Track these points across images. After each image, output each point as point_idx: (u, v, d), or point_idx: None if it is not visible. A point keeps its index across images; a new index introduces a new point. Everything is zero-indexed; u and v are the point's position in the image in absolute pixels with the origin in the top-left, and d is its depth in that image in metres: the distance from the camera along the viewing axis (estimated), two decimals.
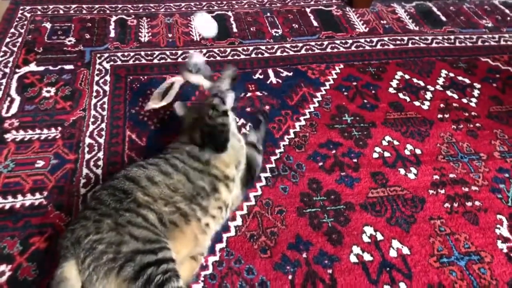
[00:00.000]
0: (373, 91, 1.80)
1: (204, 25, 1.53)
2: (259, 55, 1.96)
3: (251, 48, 2.01)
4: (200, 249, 1.16)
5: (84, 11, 2.20)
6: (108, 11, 2.21)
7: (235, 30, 2.12)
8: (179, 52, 1.95)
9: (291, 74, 1.86)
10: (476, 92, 1.82)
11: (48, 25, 2.08)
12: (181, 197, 1.12)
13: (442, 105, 1.75)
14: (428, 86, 1.83)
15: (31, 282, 1.13)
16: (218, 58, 1.93)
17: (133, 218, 1.03)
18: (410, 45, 2.07)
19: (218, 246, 1.23)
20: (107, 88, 1.73)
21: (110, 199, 1.07)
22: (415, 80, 1.86)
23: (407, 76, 1.88)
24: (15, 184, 1.36)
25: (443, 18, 2.29)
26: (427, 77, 1.88)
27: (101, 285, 0.95)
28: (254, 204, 1.34)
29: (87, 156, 1.46)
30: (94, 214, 1.03)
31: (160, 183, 1.13)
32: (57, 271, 0.97)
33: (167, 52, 1.95)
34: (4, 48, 1.91)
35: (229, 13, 2.25)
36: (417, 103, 1.75)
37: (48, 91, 1.71)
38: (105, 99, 1.68)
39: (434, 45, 2.08)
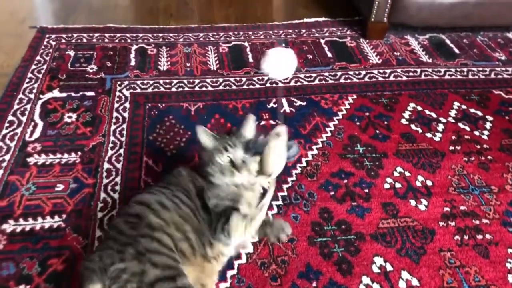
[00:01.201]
0: (385, 122, 1.82)
1: (275, 64, 1.32)
2: (274, 85, 2.01)
3: (266, 77, 2.06)
4: (209, 278, 1.18)
5: (106, 40, 2.30)
6: (129, 40, 2.30)
7: (251, 60, 2.19)
8: (196, 80, 2.02)
9: (304, 103, 1.91)
10: (488, 125, 1.83)
11: (71, 53, 2.18)
12: (190, 228, 1.16)
13: (454, 137, 1.76)
14: (440, 118, 1.86)
15: None
16: (234, 87, 1.99)
17: (149, 243, 1.07)
18: (423, 77, 2.10)
19: (229, 273, 1.25)
20: (126, 114, 1.80)
21: (126, 226, 1.11)
22: (427, 111, 1.89)
23: (419, 108, 1.91)
24: (35, 207, 1.41)
25: (456, 51, 2.32)
26: (440, 109, 1.91)
27: None
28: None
29: (105, 181, 1.51)
30: (116, 244, 1.07)
31: (171, 208, 1.16)
32: None
33: (185, 81, 2.01)
34: (30, 75, 2.00)
35: (246, 44, 2.32)
36: (429, 135, 1.77)
37: (69, 117, 1.78)
38: (124, 126, 1.74)
39: (447, 77, 2.11)
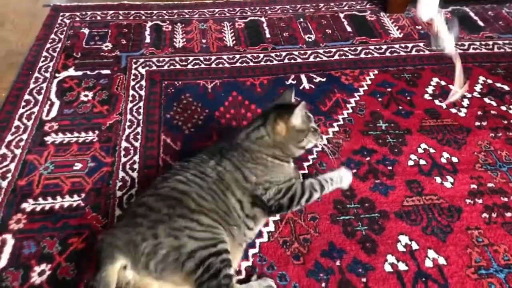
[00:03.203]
0: (408, 98, 1.77)
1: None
2: (292, 61, 1.96)
3: (284, 53, 2.01)
4: (236, 260, 1.17)
5: (121, 17, 2.26)
6: (143, 17, 2.26)
7: (268, 36, 2.13)
8: (213, 57, 1.97)
9: (324, 79, 1.86)
10: None
11: (86, 31, 2.14)
12: (224, 219, 1.15)
13: (479, 113, 1.70)
14: (465, 93, 1.79)
15: (70, 282, 1.16)
16: (251, 64, 1.94)
17: (188, 223, 1.07)
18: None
19: (251, 252, 1.23)
20: (142, 92, 1.77)
21: (162, 205, 1.10)
22: (451, 86, 1.82)
23: (443, 83, 1.84)
24: (54, 186, 1.40)
25: (481, 23, 2.24)
26: (464, 83, 1.84)
27: (169, 282, 1.04)
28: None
29: (123, 160, 1.49)
30: (146, 220, 1.06)
31: (208, 200, 1.14)
32: (101, 274, 0.99)
33: (201, 58, 1.97)
34: (45, 54, 1.98)
35: (262, 19, 2.26)
36: (453, 110, 1.71)
37: (85, 95, 1.75)
38: (141, 104, 1.71)
39: (471, 51, 2.04)
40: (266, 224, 1.30)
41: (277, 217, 1.32)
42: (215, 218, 1.12)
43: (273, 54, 2.00)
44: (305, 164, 1.50)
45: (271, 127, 1.22)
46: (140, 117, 1.66)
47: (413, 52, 2.02)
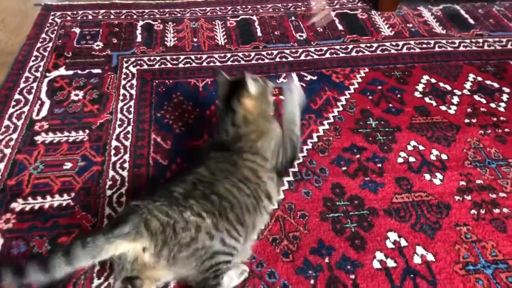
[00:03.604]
0: (398, 95, 1.78)
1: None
2: (283, 59, 1.97)
3: (275, 52, 2.01)
4: None
5: (112, 16, 2.25)
6: (135, 16, 2.25)
7: (259, 34, 2.13)
8: (204, 56, 1.97)
9: (315, 78, 1.86)
10: (505, 97, 1.78)
11: (77, 30, 2.14)
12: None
13: (469, 110, 1.71)
14: (455, 91, 1.80)
15: (59, 281, 1.15)
16: (243, 62, 1.94)
17: (228, 228, 1.10)
18: (436, 49, 2.04)
19: None
20: (133, 92, 1.77)
21: (216, 201, 1.12)
22: (441, 84, 1.83)
23: (433, 80, 1.85)
24: (44, 185, 1.40)
25: (471, 21, 2.25)
26: (454, 81, 1.85)
27: (174, 272, 1.07)
28: (276, 208, 1.34)
29: (113, 159, 1.49)
30: (194, 209, 1.08)
31: (250, 213, 1.18)
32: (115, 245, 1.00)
33: (192, 57, 1.97)
34: (35, 53, 1.97)
35: (254, 17, 2.26)
36: (443, 108, 1.72)
37: (76, 95, 1.75)
38: (132, 103, 1.71)
39: (461, 48, 2.05)
40: None
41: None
42: (246, 232, 1.15)
43: (264, 53, 2.01)
44: (295, 162, 1.50)
45: (242, 114, 1.28)
46: (131, 116, 1.66)
47: (404, 50, 2.03)
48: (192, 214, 1.06)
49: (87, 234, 1.13)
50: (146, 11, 2.30)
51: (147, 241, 1.01)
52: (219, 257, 1.07)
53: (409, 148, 1.56)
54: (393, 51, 2.03)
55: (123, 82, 1.81)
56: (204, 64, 1.93)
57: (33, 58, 1.94)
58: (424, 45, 2.06)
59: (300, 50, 2.02)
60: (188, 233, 1.04)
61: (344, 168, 1.48)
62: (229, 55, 1.99)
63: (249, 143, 1.26)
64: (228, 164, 1.23)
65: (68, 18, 2.24)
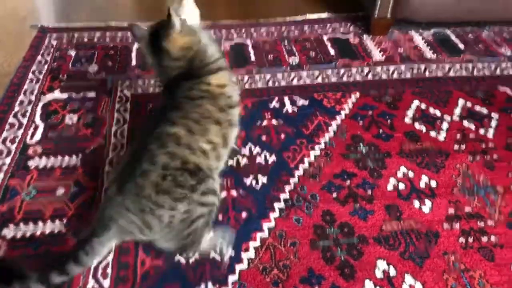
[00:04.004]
0: (388, 121, 1.80)
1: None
2: (276, 84, 1.99)
3: (268, 76, 2.04)
4: None
5: (107, 39, 2.28)
6: (130, 39, 2.28)
7: (252, 58, 2.16)
8: None
9: (307, 102, 1.88)
10: (493, 123, 1.81)
11: (72, 53, 2.16)
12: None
13: (458, 136, 1.74)
14: (445, 116, 1.83)
15: None
16: None
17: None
18: (427, 74, 2.07)
19: (231, 279, 1.25)
20: (127, 115, 1.78)
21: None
22: (431, 109, 1.86)
23: (423, 106, 1.88)
24: (36, 212, 1.41)
25: (461, 46, 2.28)
26: (444, 106, 1.88)
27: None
28: (267, 236, 1.36)
29: (106, 184, 1.50)
30: (169, 199, 1.14)
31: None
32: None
33: None
34: (31, 75, 1.99)
35: (248, 42, 2.29)
36: (433, 134, 1.75)
37: (70, 118, 1.77)
38: (125, 127, 1.73)
39: (451, 73, 2.08)
40: (247, 250, 1.32)
41: (258, 242, 1.34)
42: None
43: (257, 77, 2.03)
44: (287, 188, 1.51)
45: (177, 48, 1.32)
46: (124, 140, 1.67)
47: (395, 75, 2.06)
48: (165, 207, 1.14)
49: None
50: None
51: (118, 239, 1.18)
52: (200, 220, 1.19)
53: (399, 174, 1.58)
54: (384, 76, 2.06)
55: (117, 106, 1.83)
56: None
57: (28, 81, 1.96)
58: (415, 70, 2.10)
59: (293, 74, 2.05)
60: (164, 221, 1.15)
61: (334, 195, 1.50)
62: None
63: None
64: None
65: (64, 40, 2.27)
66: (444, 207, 1.47)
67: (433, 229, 1.40)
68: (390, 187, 1.53)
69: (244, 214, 1.43)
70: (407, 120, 1.81)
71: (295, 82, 2.01)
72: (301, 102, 1.88)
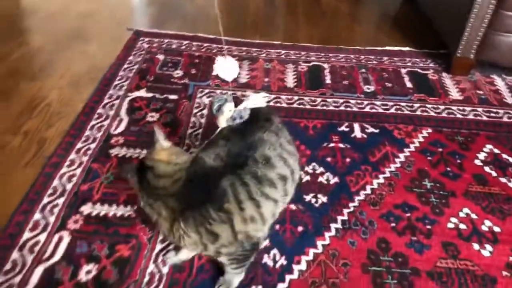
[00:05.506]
0: (458, 160, 1.78)
1: (224, 68, 1.46)
2: (348, 108, 2.03)
3: (341, 100, 2.08)
4: None
5: (194, 48, 2.44)
6: (214, 50, 2.42)
7: (328, 81, 2.22)
8: (272, 96, 2.08)
9: (377, 131, 1.91)
10: None
11: (161, 57, 2.33)
12: None
13: None
14: None
15: (111, 285, 1.26)
16: (308, 106, 2.03)
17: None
18: (505, 119, 2.02)
19: (281, 286, 1.29)
20: (203, 120, 1.90)
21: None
22: (505, 155, 1.81)
23: (496, 151, 1.84)
24: (111, 195, 1.54)
25: None
26: None
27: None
28: (320, 252, 1.39)
29: None
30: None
31: None
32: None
33: None
34: (121, 73, 2.17)
35: (325, 65, 2.35)
36: (503, 180, 1.70)
37: (152, 116, 1.91)
38: (200, 131, 1.84)
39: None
40: (299, 262, 1.36)
41: (310, 257, 1.37)
42: None
43: (330, 100, 2.09)
44: (345, 211, 1.54)
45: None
46: (197, 142, 1.78)
47: (470, 116, 2.03)
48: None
49: None
50: (225, 47, 2.46)
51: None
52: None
53: (461, 214, 1.55)
54: (459, 115, 2.03)
55: (195, 111, 1.95)
56: (271, 103, 2.03)
57: (118, 77, 2.14)
58: (492, 114, 2.05)
59: (366, 102, 2.08)
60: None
61: (393, 224, 1.50)
62: (296, 97, 2.09)
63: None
64: None
65: (155, 44, 2.45)
66: (505, 254, 1.43)
67: (491, 274, 1.36)
68: (450, 226, 1.51)
69: (300, 228, 1.47)
70: (477, 162, 1.78)
71: (367, 109, 2.04)
72: (371, 129, 1.91)
